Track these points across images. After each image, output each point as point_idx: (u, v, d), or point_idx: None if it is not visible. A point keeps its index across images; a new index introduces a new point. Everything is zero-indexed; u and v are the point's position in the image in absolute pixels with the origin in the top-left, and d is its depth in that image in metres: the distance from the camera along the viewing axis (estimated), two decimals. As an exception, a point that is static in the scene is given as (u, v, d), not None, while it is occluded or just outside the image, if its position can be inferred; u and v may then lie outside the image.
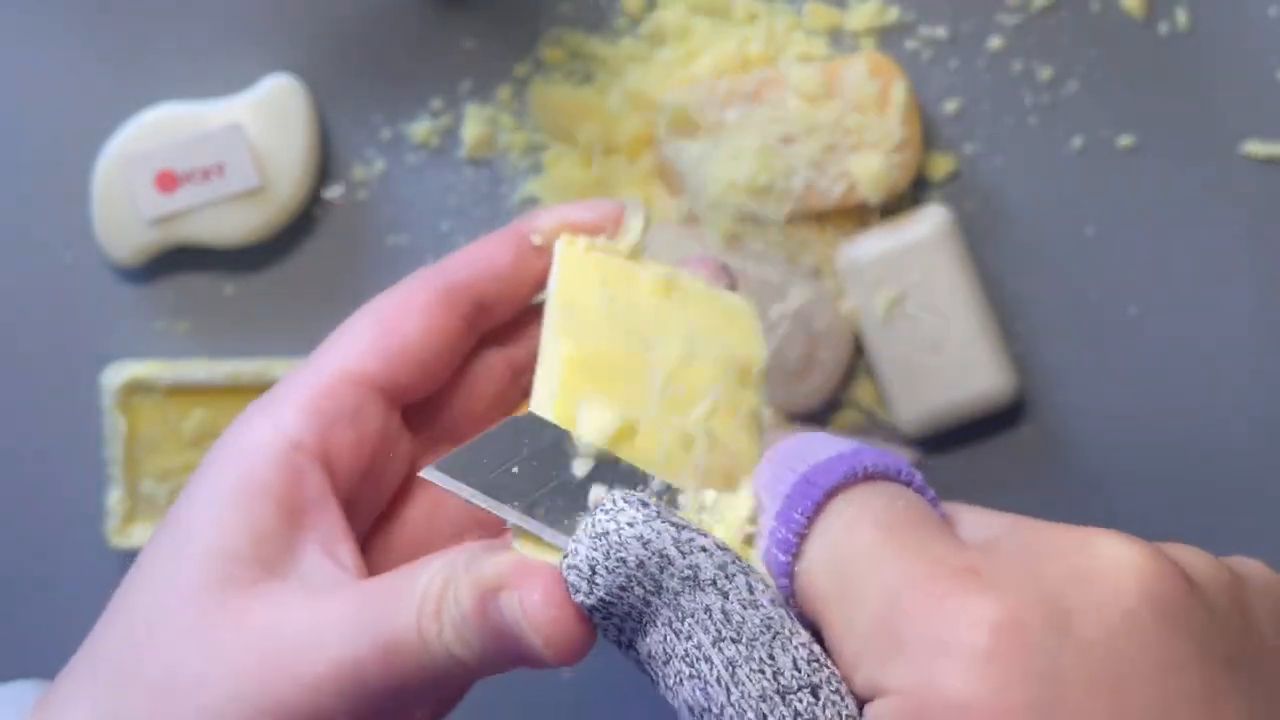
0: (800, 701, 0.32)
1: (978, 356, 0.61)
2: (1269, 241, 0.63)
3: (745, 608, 0.33)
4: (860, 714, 0.32)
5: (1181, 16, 0.63)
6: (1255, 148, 0.63)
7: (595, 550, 0.34)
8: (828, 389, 0.62)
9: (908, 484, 0.36)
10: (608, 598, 0.34)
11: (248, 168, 0.61)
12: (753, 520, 0.36)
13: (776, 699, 0.32)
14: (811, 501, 0.34)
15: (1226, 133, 0.63)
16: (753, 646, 0.33)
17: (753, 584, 0.34)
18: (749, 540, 0.36)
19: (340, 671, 0.37)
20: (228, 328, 0.64)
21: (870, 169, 0.60)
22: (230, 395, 0.62)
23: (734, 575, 0.34)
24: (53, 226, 0.63)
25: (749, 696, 0.32)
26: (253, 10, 0.63)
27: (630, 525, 0.34)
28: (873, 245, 0.61)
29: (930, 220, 0.61)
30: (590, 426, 0.38)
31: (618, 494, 0.35)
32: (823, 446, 0.36)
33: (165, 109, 0.62)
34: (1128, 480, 0.64)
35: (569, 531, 0.36)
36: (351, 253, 0.64)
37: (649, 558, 0.33)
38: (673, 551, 0.34)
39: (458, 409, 0.45)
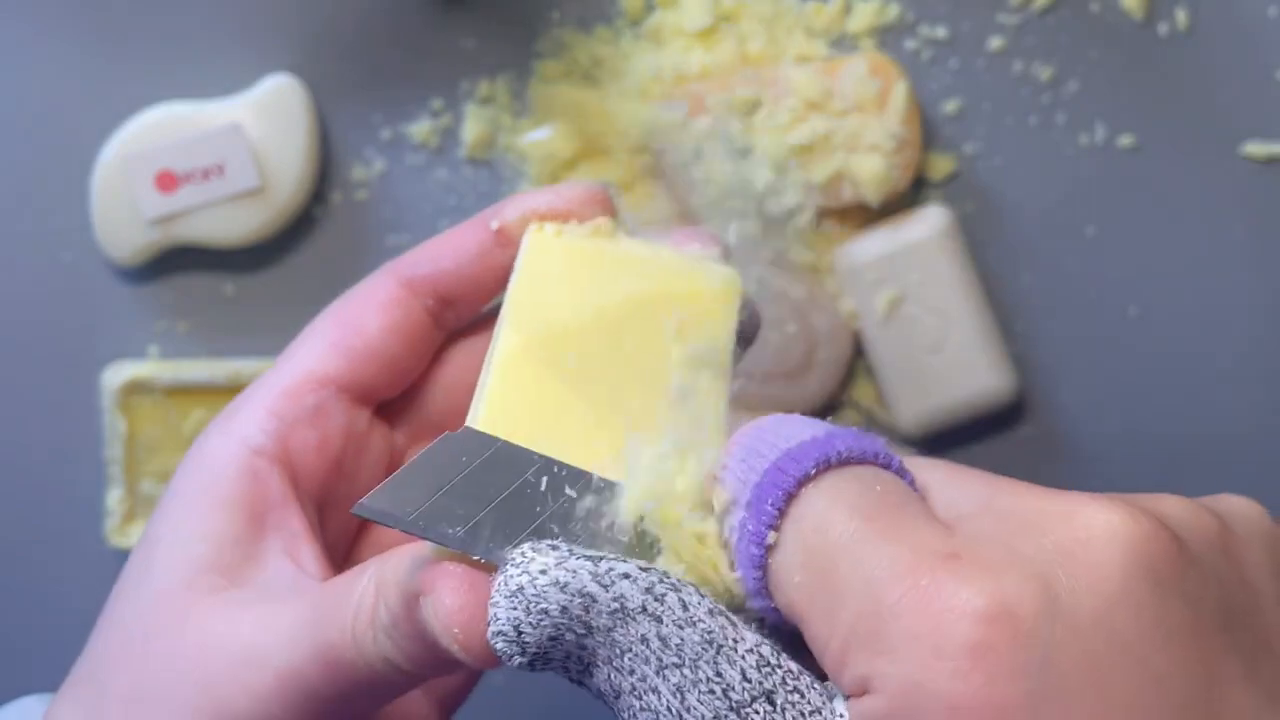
0: (757, 713, 0.31)
1: (978, 356, 0.61)
2: (1269, 241, 0.63)
3: (682, 627, 0.31)
4: (835, 710, 0.31)
5: (1181, 16, 0.63)
6: (1255, 148, 0.63)
7: (515, 609, 0.32)
8: (827, 389, 0.62)
9: (885, 466, 0.34)
10: (540, 651, 0.32)
11: (248, 168, 0.61)
12: (716, 502, 0.35)
13: (732, 716, 0.31)
14: (783, 491, 0.33)
15: (1226, 133, 0.63)
16: (697, 667, 0.31)
17: (685, 599, 0.32)
18: (719, 518, 0.35)
19: (285, 682, 0.37)
20: (228, 328, 0.64)
21: (870, 169, 0.60)
22: (230, 395, 0.62)
23: (663, 595, 0.32)
24: (53, 226, 0.63)
25: None
26: (253, 10, 0.63)
27: (543, 572, 0.32)
28: (873, 245, 0.61)
29: (930, 220, 0.61)
30: (530, 427, 0.36)
31: (525, 545, 0.33)
32: (795, 430, 0.34)
33: (165, 109, 0.62)
34: (1127, 480, 0.64)
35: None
36: (351, 253, 0.64)
37: (570, 600, 0.31)
38: (594, 588, 0.32)
39: (442, 401, 0.45)
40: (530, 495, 0.35)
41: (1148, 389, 0.64)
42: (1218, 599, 0.31)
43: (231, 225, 0.62)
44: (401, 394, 0.45)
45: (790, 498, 0.33)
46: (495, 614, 0.32)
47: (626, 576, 0.32)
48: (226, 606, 0.38)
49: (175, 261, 0.63)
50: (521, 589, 0.32)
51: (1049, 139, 0.63)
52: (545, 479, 0.35)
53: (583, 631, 0.31)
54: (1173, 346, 0.64)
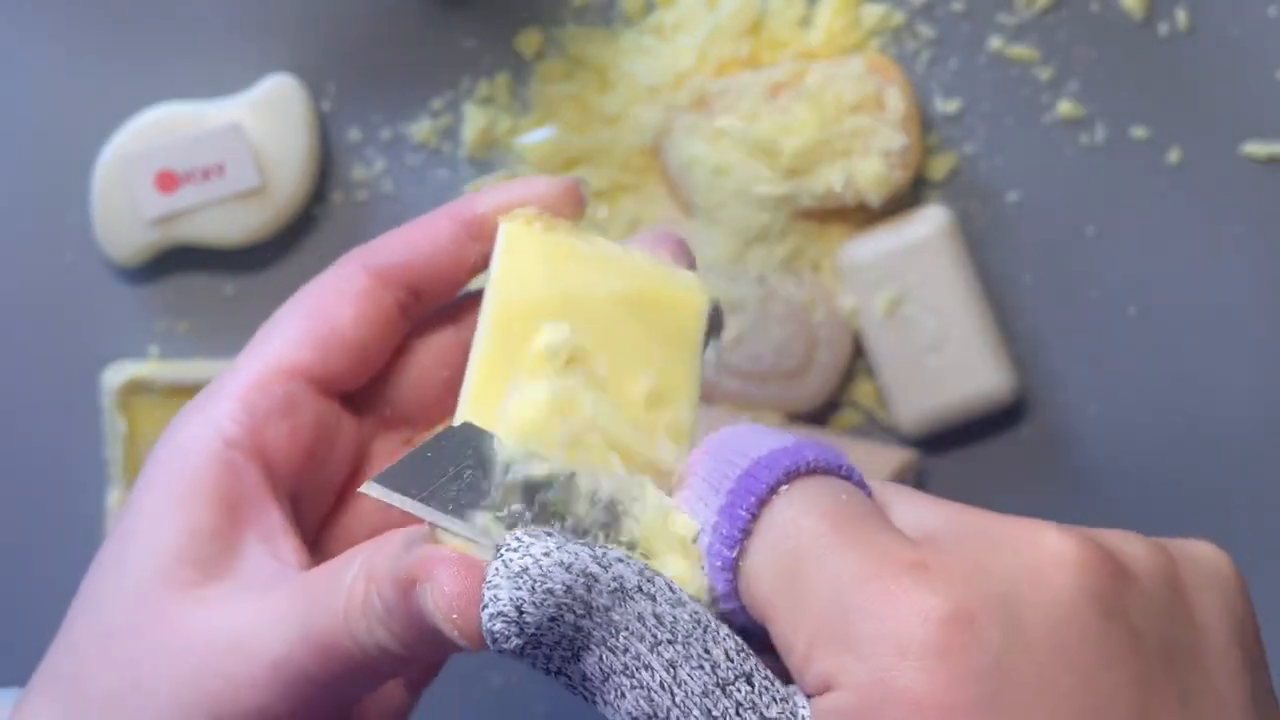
0: (739, 691, 0.32)
1: (978, 356, 0.61)
2: (1269, 241, 0.63)
3: (674, 606, 0.33)
4: (797, 704, 0.33)
5: (1181, 16, 0.63)
6: (1255, 148, 0.63)
7: (519, 589, 0.32)
8: (827, 390, 0.62)
9: (847, 478, 0.35)
10: (536, 633, 0.32)
11: (248, 168, 0.61)
12: (685, 508, 0.36)
13: (718, 692, 0.32)
14: (756, 497, 0.34)
15: (1226, 133, 0.63)
16: (689, 644, 0.32)
17: (671, 584, 0.33)
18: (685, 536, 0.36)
19: (279, 670, 0.37)
20: (228, 328, 0.64)
21: (870, 169, 0.60)
22: (230, 395, 0.62)
23: (653, 579, 0.33)
24: (53, 226, 0.63)
25: (693, 695, 0.32)
26: (253, 10, 0.63)
27: (546, 554, 0.33)
28: (873, 245, 0.61)
29: (930, 220, 0.61)
30: (515, 420, 0.37)
31: (519, 531, 0.34)
32: (761, 440, 0.36)
33: (165, 109, 0.62)
34: (1127, 480, 0.64)
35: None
36: (351, 253, 0.64)
37: (575, 581, 0.32)
38: (595, 569, 0.33)
39: (409, 392, 0.44)
40: (523, 490, 0.36)
41: (1148, 389, 0.64)
42: (1162, 633, 0.32)
43: (231, 225, 0.62)
44: (365, 386, 0.44)
45: (762, 503, 0.34)
46: (495, 595, 0.32)
47: (621, 560, 0.33)
48: (207, 601, 0.38)
49: (175, 261, 0.63)
50: (525, 570, 0.32)
51: (1049, 139, 0.63)
52: (534, 476, 0.36)
53: (581, 613, 0.32)
54: (1173, 346, 0.64)
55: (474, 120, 0.63)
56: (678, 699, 0.32)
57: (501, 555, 0.33)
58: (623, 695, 0.32)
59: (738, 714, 0.32)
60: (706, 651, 0.32)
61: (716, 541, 0.34)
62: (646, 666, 0.32)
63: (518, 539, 0.33)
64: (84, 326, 0.64)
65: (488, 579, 0.33)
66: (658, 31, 0.63)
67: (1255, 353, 0.64)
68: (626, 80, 0.63)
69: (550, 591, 0.32)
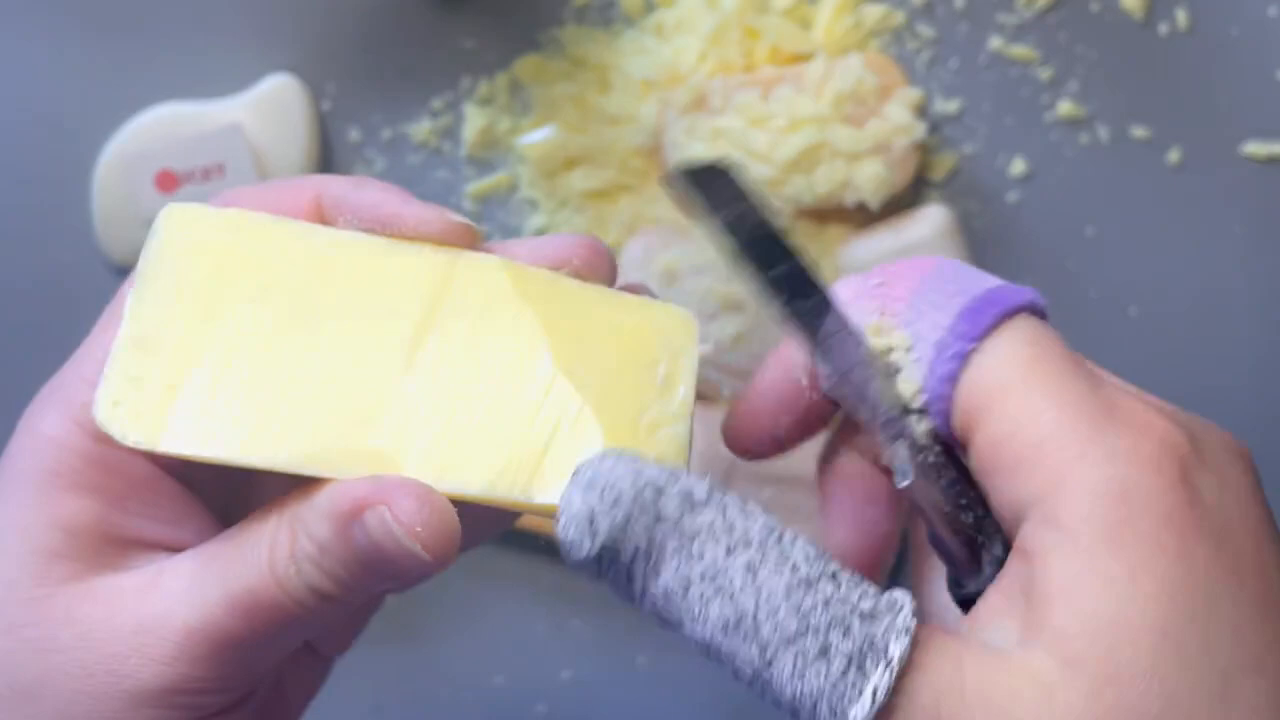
0: (825, 588, 0.33)
1: (978, 356, 0.61)
2: (1269, 241, 0.63)
3: (744, 518, 0.34)
4: (896, 597, 0.34)
5: (1181, 16, 0.63)
6: (1255, 148, 0.63)
7: (589, 496, 0.34)
8: (828, 389, 0.62)
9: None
10: (610, 539, 0.33)
11: (248, 168, 0.61)
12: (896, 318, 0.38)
13: (802, 589, 0.33)
14: (992, 316, 0.36)
15: (1226, 133, 0.63)
16: (764, 548, 0.33)
17: (740, 500, 0.34)
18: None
19: (191, 638, 0.37)
20: (228, 328, 0.64)
21: (870, 169, 0.60)
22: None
23: (723, 495, 0.34)
24: (53, 226, 0.64)
25: (776, 593, 0.33)
26: (253, 10, 0.63)
27: (613, 467, 0.34)
28: (873, 245, 0.61)
29: (930, 220, 0.61)
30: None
31: (591, 454, 0.35)
32: (980, 274, 0.38)
33: (165, 109, 0.62)
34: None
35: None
36: (351, 253, 0.64)
37: (642, 488, 0.34)
38: (664, 480, 0.34)
39: None
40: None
41: (1147, 389, 0.64)
42: None
43: (231, 225, 0.62)
44: None
45: (1002, 320, 0.37)
46: (568, 506, 0.34)
47: (690, 476, 0.34)
48: (96, 591, 0.38)
49: (175, 261, 0.63)
50: (596, 478, 0.34)
51: (1049, 139, 0.63)
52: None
53: (652, 520, 0.33)
54: (1173, 346, 0.64)
55: (474, 120, 0.63)
56: (761, 598, 0.33)
57: (575, 474, 0.34)
58: (707, 605, 0.33)
59: (825, 607, 0.33)
60: (784, 555, 0.33)
61: (954, 336, 0.36)
62: (723, 571, 0.33)
63: (588, 462, 0.34)
64: (84, 326, 0.64)
65: (566, 494, 0.34)
66: (658, 31, 0.63)
67: (1255, 353, 0.64)
68: (626, 80, 0.63)
69: (619, 496, 0.33)
